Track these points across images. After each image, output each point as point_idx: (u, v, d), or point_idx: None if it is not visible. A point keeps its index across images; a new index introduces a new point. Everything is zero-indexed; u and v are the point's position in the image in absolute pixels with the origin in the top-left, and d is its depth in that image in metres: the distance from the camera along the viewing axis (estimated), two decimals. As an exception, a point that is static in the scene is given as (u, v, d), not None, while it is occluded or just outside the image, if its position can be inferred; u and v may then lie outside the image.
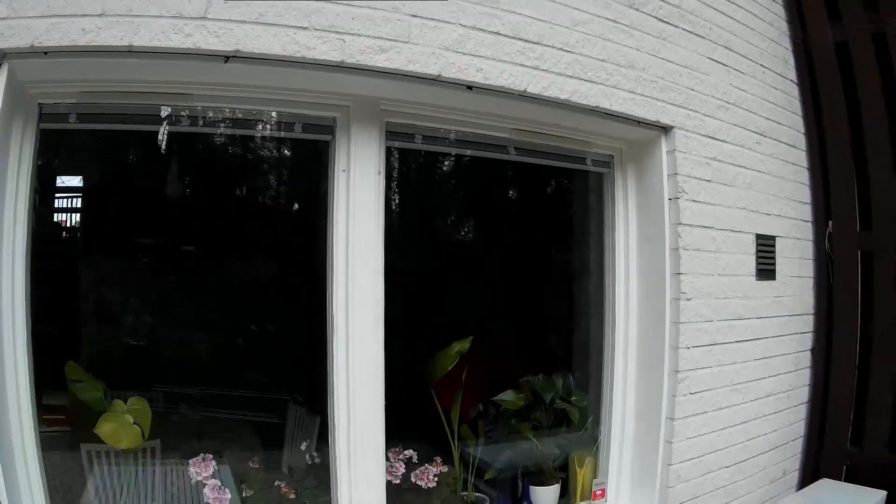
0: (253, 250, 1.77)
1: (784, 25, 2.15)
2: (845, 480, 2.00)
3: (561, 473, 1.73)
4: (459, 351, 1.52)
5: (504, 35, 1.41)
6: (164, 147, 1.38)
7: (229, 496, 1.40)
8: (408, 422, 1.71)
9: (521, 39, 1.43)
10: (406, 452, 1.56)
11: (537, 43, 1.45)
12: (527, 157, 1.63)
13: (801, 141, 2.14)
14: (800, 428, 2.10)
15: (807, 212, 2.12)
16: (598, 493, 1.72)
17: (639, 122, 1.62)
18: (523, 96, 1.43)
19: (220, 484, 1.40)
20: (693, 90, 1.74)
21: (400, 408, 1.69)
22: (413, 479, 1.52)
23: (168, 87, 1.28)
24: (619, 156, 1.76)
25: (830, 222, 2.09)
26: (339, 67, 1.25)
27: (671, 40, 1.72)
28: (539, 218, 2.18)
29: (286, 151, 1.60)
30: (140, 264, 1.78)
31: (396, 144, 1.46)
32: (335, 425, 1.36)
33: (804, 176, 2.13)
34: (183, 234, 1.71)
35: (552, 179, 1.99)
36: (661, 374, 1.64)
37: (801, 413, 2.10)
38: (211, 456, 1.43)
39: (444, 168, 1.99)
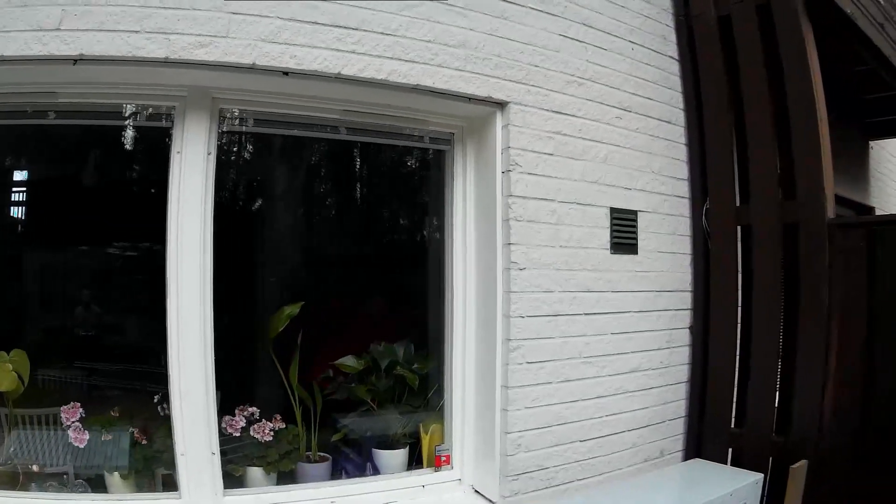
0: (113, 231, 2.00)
1: (666, 3, 2.13)
2: (732, 463, 1.91)
3: (411, 439, 1.80)
4: (290, 315, 1.65)
5: (322, 24, 1.54)
6: (35, 142, 1.63)
7: (87, 437, 1.62)
8: (260, 383, 1.86)
9: (339, 27, 1.56)
10: (250, 409, 1.70)
11: (356, 29, 1.57)
12: (359, 136, 1.74)
13: (679, 117, 2.09)
14: (680, 407, 2.03)
15: (682, 187, 2.06)
16: (444, 459, 1.77)
17: (469, 98, 1.69)
18: (339, 78, 1.55)
19: (81, 426, 1.63)
20: (537, 66, 1.79)
21: (253, 369, 1.84)
22: (252, 433, 1.66)
23: (36, 88, 1.54)
24: (460, 133, 1.83)
25: (708, 198, 2.02)
26: (165, 63, 1.44)
27: (514, 19, 1.77)
28: (387, 195, 2.28)
29: (144, 140, 1.81)
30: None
31: (229, 128, 1.63)
32: (171, 379, 1.53)
33: (681, 151, 2.08)
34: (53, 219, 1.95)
35: (399, 158, 2.09)
36: (495, 343, 1.69)
37: (680, 392, 2.03)
38: (79, 404, 1.66)
39: (295, 151, 2.14)
